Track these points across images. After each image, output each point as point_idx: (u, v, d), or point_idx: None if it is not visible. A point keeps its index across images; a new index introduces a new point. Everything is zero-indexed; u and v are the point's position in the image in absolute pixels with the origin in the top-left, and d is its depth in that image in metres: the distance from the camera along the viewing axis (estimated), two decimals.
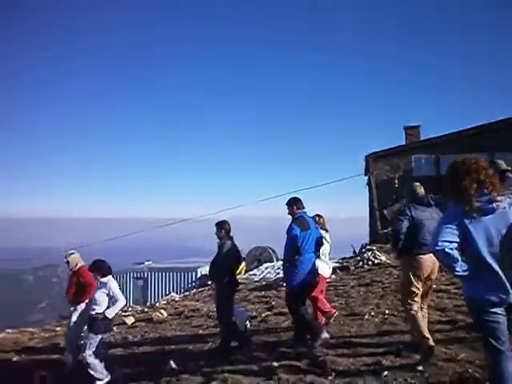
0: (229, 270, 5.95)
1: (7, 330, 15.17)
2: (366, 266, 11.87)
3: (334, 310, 6.52)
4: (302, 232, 5.36)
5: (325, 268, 6.52)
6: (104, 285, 5.53)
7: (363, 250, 15.90)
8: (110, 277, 5.61)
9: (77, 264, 6.95)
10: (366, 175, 24.27)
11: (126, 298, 23.75)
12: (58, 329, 11.91)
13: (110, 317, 5.44)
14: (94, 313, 5.46)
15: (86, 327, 5.72)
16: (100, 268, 5.65)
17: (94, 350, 5.44)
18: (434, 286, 7.78)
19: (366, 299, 8.06)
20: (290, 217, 5.61)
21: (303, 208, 5.63)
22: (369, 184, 23.29)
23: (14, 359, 8.54)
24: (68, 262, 7.05)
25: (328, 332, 5.72)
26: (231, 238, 6.05)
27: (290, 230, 5.37)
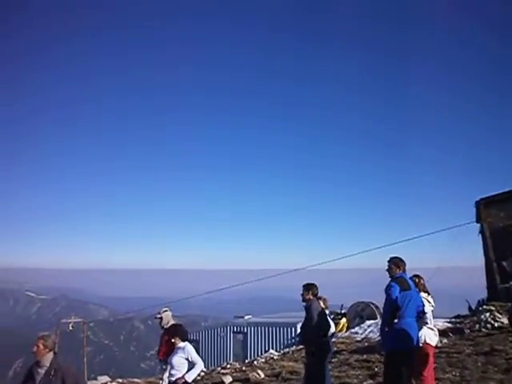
0: (319, 335, 5.66)
1: (118, 380, 16.06)
2: (484, 330, 10.42)
3: None
4: (402, 292, 5.02)
5: (432, 335, 5.87)
6: (181, 350, 5.60)
7: (480, 309, 14.14)
8: (187, 342, 5.69)
9: (168, 322, 7.12)
10: (477, 222, 22.11)
11: (226, 353, 23.67)
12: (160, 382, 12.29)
13: (189, 381, 5.44)
14: (173, 379, 5.51)
15: None
16: (180, 333, 5.76)
17: None
18: None
19: (486, 373, 6.98)
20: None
21: (404, 270, 5.32)
22: (482, 232, 21.11)
23: None
24: (161, 319, 7.26)
25: None
26: (318, 301, 5.85)
27: (389, 289, 5.06)
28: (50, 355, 4.48)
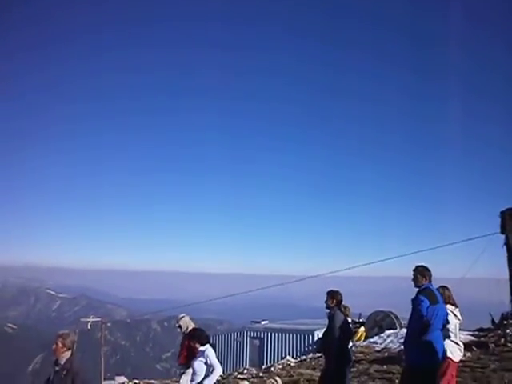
0: (340, 344, 5.57)
1: (135, 381, 16.20)
2: (509, 345, 10.12)
3: None
4: (431, 306, 4.90)
5: (455, 351, 5.67)
6: (202, 353, 5.59)
7: (505, 323, 13.71)
8: (208, 345, 5.64)
9: (188, 327, 7.09)
10: (502, 233, 21.48)
11: (242, 357, 23.58)
12: None
13: None
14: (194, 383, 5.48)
15: None
16: (199, 337, 5.75)
17: None
18: None
19: None
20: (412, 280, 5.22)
21: (430, 279, 5.21)
22: (507, 244, 20.49)
23: None
24: (180, 327, 7.24)
25: None
26: (341, 309, 5.75)
27: (418, 303, 4.94)
28: (68, 354, 4.48)
